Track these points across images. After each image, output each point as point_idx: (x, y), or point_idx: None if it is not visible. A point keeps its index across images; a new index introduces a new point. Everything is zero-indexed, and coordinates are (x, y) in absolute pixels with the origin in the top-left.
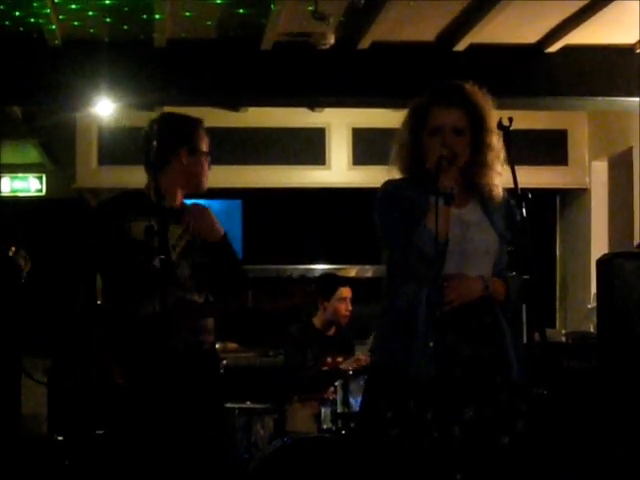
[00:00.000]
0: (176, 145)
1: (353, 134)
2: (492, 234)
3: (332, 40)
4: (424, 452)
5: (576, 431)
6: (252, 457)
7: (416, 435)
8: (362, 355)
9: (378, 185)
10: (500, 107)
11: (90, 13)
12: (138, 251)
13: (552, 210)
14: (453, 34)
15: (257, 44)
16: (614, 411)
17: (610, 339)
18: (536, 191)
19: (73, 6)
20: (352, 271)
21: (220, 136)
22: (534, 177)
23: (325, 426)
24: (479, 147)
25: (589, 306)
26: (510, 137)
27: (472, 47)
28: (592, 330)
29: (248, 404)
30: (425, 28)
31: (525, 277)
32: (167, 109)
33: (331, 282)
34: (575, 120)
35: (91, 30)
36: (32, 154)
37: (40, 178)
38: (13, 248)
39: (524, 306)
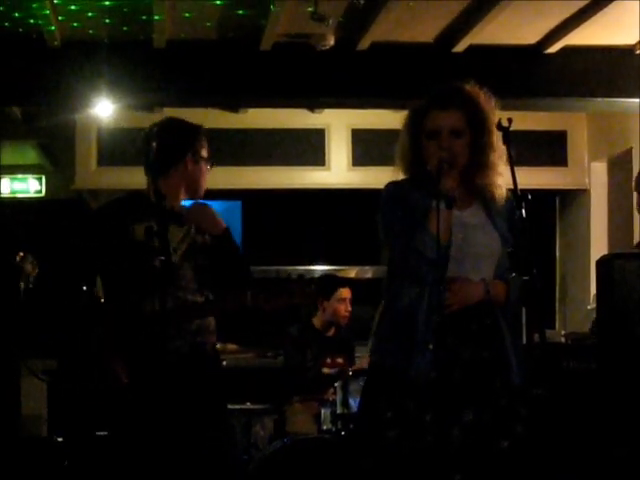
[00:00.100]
0: (182, 151)
1: (352, 135)
2: (495, 237)
3: (331, 41)
4: (422, 454)
5: (575, 432)
6: (252, 458)
7: (414, 437)
8: (364, 362)
9: (378, 186)
10: (499, 108)
11: (89, 14)
12: (140, 253)
13: (552, 211)
14: (452, 35)
15: (256, 45)
16: (613, 412)
17: (610, 340)
18: (536, 192)
19: (72, 7)
20: (352, 272)
21: (219, 137)
22: (534, 178)
23: (325, 427)
24: (480, 148)
25: (589, 307)
26: (509, 138)
27: (471, 48)
28: (587, 330)
29: (248, 405)
30: (424, 29)
31: (525, 278)
32: (167, 110)
33: (331, 283)
34: (575, 121)
35: (90, 31)
36: (31, 155)
37: (39, 179)
38: (21, 254)
39: (524, 307)
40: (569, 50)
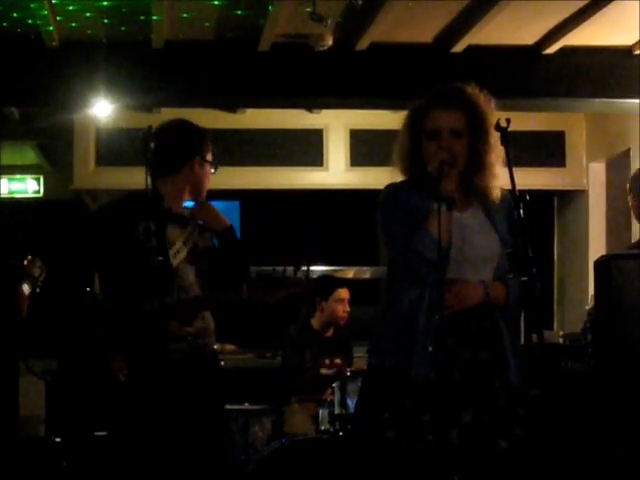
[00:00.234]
0: (190, 153)
1: (351, 135)
2: (494, 239)
3: (330, 41)
4: (420, 454)
5: (574, 432)
6: (250, 458)
7: (413, 437)
8: (363, 364)
9: (376, 186)
10: (498, 108)
11: (88, 14)
12: (139, 253)
13: (550, 211)
14: (451, 35)
15: (255, 45)
16: (612, 412)
17: (607, 340)
18: (534, 192)
19: (71, 7)
20: (350, 272)
21: (218, 137)
22: (532, 178)
23: (323, 427)
24: (479, 149)
25: (587, 307)
26: (508, 138)
27: (470, 48)
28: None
29: (246, 405)
30: (423, 29)
31: (523, 279)
32: (165, 111)
33: (329, 283)
34: (573, 121)
35: (89, 31)
36: (30, 155)
37: (38, 179)
38: (29, 257)
39: (522, 308)
40: (568, 50)
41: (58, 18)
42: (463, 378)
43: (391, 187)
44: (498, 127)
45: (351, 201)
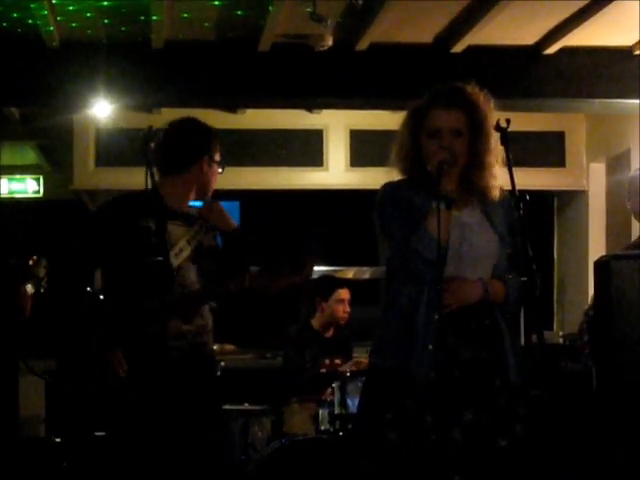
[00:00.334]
0: (200, 152)
1: (351, 136)
2: (492, 237)
3: (330, 41)
4: (423, 455)
5: (574, 433)
6: (250, 458)
7: (415, 438)
8: (362, 358)
9: (376, 186)
10: (497, 109)
11: (88, 14)
12: (140, 252)
13: (550, 212)
14: (451, 36)
15: (255, 46)
16: (612, 413)
17: (606, 341)
18: (534, 193)
19: (71, 7)
20: (350, 272)
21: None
22: (532, 179)
23: (323, 427)
24: (479, 149)
25: (587, 308)
26: (508, 139)
27: (470, 49)
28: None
29: (246, 406)
30: (423, 30)
31: (523, 279)
32: (165, 111)
33: (329, 283)
34: (573, 122)
35: (89, 31)
36: (29, 156)
37: (37, 180)
38: (34, 257)
39: (522, 308)
40: (568, 51)
41: (58, 18)
42: (463, 377)
43: (389, 186)
44: (498, 127)
45: (351, 201)
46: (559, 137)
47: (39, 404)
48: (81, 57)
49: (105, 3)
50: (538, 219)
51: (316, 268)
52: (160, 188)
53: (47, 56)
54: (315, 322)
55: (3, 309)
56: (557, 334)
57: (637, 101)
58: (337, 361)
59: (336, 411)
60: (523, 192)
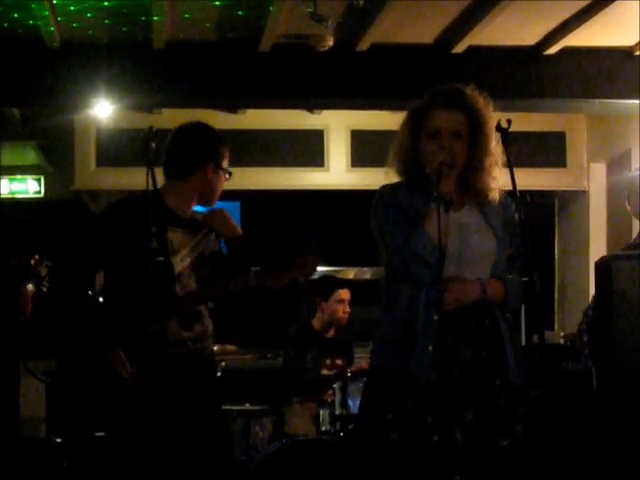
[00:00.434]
0: (205, 157)
1: (351, 136)
2: (490, 236)
3: (331, 42)
4: (424, 455)
5: (574, 433)
6: (251, 459)
7: (416, 438)
8: (364, 363)
9: (376, 187)
10: (498, 109)
11: (89, 15)
12: (141, 253)
13: (550, 212)
14: (452, 36)
15: (256, 46)
16: (612, 413)
17: (607, 341)
18: (534, 193)
19: (72, 8)
20: (350, 273)
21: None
22: (533, 179)
23: (323, 428)
24: (477, 151)
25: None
26: (509, 139)
27: (471, 49)
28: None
29: (247, 406)
30: (424, 30)
31: (524, 279)
32: (166, 111)
33: (329, 284)
34: (574, 122)
35: (90, 32)
36: (30, 156)
37: (38, 180)
38: (36, 256)
39: (523, 308)
40: (568, 51)
41: (59, 19)
42: (464, 377)
43: (387, 187)
44: (499, 128)
45: (352, 201)
46: (560, 137)
47: (40, 404)
48: (82, 57)
49: (106, 3)
50: (539, 219)
51: (318, 268)
52: (164, 192)
53: (48, 56)
54: (316, 322)
55: (4, 309)
56: (558, 334)
57: (638, 101)
58: (338, 361)
59: (337, 412)
60: (524, 192)
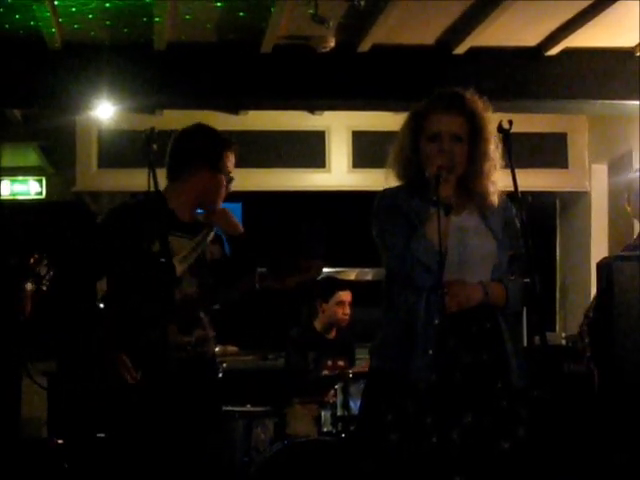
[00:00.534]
0: (200, 160)
1: (353, 137)
2: (490, 239)
3: (332, 43)
4: (423, 457)
5: (576, 434)
6: (252, 460)
7: (415, 440)
8: (365, 366)
9: (378, 188)
10: (500, 110)
11: (90, 16)
12: (143, 255)
13: (552, 213)
14: (453, 37)
15: (257, 47)
16: (613, 414)
17: (608, 342)
18: (536, 194)
19: (73, 9)
20: (352, 274)
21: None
22: (534, 180)
23: (325, 429)
24: (476, 156)
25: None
26: (510, 140)
27: (472, 50)
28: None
29: (248, 407)
30: (425, 31)
31: (525, 281)
32: (167, 113)
33: (330, 285)
34: (575, 123)
35: (91, 33)
36: (32, 157)
37: (40, 181)
38: (35, 255)
39: (524, 310)
40: (570, 52)
41: (60, 20)
42: (464, 380)
43: (387, 192)
44: (501, 129)
45: (353, 202)
46: (561, 138)
47: (41, 405)
48: (83, 59)
49: (107, 5)
50: (540, 221)
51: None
52: (166, 193)
53: (49, 58)
54: (317, 324)
55: (4, 309)
56: (560, 335)
57: (639, 102)
58: (339, 363)
59: (338, 413)
60: (525, 194)
